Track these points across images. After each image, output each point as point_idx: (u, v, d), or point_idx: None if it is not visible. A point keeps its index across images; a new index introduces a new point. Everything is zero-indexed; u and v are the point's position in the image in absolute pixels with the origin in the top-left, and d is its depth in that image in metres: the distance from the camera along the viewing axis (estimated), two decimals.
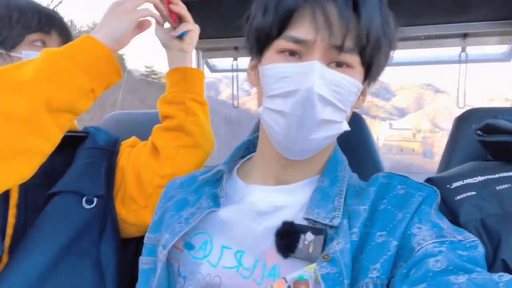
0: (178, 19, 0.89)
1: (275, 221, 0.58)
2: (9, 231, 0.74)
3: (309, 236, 0.55)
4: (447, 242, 0.49)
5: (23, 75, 0.67)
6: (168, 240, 0.63)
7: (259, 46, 0.61)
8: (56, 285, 0.70)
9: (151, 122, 1.02)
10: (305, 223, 0.58)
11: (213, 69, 1.87)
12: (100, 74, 0.75)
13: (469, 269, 0.45)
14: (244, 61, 1.77)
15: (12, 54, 0.83)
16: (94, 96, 0.75)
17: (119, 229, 0.84)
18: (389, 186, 0.59)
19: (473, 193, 0.61)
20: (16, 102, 0.64)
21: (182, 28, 0.89)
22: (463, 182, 0.63)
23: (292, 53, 0.56)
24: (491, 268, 0.53)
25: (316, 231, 0.56)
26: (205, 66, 1.81)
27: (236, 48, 1.67)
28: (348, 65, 0.56)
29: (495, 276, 0.42)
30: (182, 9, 0.88)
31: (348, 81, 0.56)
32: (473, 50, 1.59)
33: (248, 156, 0.75)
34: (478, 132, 0.70)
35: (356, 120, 0.93)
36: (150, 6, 0.83)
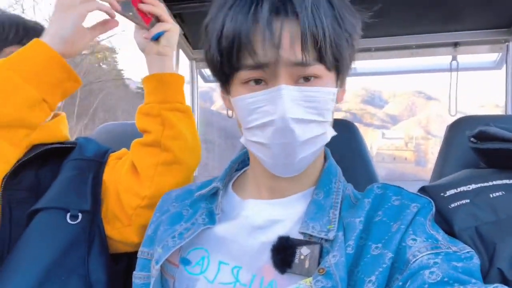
0: (155, 19, 0.81)
1: (271, 236, 0.57)
2: None
3: (305, 250, 0.55)
4: (442, 253, 0.49)
5: None
6: (161, 255, 0.61)
7: (220, 79, 0.59)
8: None
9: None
10: (300, 237, 0.57)
11: (207, 80, 1.87)
12: (49, 82, 0.68)
13: (464, 280, 0.44)
14: None
15: None
16: (49, 106, 0.69)
17: (108, 244, 0.80)
18: (384, 197, 0.59)
19: (467, 201, 0.60)
20: None
21: (156, 29, 0.80)
22: (456, 190, 0.63)
23: (257, 81, 0.55)
24: (486, 276, 0.52)
25: (312, 245, 0.55)
26: (198, 76, 1.81)
27: None
28: (316, 76, 0.55)
29: (490, 287, 0.42)
30: (155, 8, 0.79)
31: (322, 92, 0.55)
32: (464, 58, 1.61)
33: (244, 169, 0.75)
34: (472, 139, 0.70)
35: (349, 129, 0.93)
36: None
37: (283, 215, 0.61)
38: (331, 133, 0.60)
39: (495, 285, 0.42)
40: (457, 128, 0.89)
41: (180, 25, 1.52)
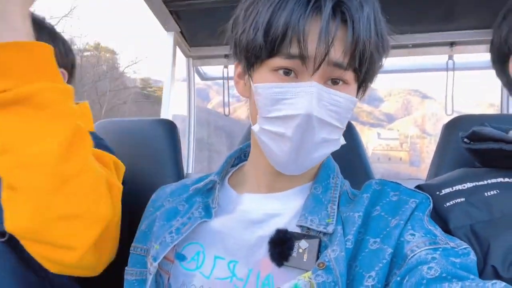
0: None
1: (268, 230, 0.58)
2: None
3: (303, 244, 0.55)
4: (440, 249, 0.49)
5: None
6: (158, 251, 0.61)
7: (249, 61, 0.59)
8: None
9: (139, 130, 1.01)
10: (298, 230, 0.57)
11: (203, 77, 1.87)
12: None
13: (463, 276, 0.45)
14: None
15: None
16: (11, 97, 0.49)
17: None
18: (382, 193, 0.60)
19: (462, 199, 0.61)
20: None
21: None
22: (452, 189, 0.64)
23: (287, 71, 0.55)
24: (481, 274, 0.53)
25: (310, 238, 0.55)
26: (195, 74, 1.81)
27: (226, 55, 1.67)
28: (345, 82, 0.56)
29: (489, 284, 0.42)
30: None
31: (346, 98, 0.55)
32: (460, 58, 1.62)
33: (240, 165, 0.75)
34: (465, 140, 0.71)
35: (347, 127, 0.93)
36: None
37: (281, 209, 0.61)
38: (342, 141, 0.61)
39: (494, 281, 0.42)
40: (452, 127, 0.90)
41: (177, 22, 1.52)
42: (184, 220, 0.64)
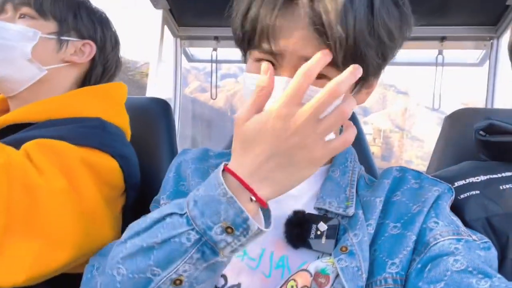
0: None
1: (284, 210, 0.56)
2: None
3: (322, 226, 0.54)
4: (463, 240, 0.49)
5: None
6: None
7: (242, 49, 0.57)
8: None
9: (132, 108, 0.96)
10: (315, 213, 0.56)
11: (191, 59, 1.81)
12: None
13: (489, 273, 0.45)
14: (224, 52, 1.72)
15: None
16: None
17: None
18: (403, 179, 0.59)
19: (477, 192, 0.61)
20: None
21: None
22: (465, 181, 0.64)
23: (270, 61, 0.51)
24: (500, 267, 0.53)
25: (329, 221, 0.54)
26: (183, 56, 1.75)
27: (216, 38, 1.62)
28: (324, 76, 0.49)
29: None
30: None
31: None
32: (448, 55, 1.64)
33: None
34: (481, 132, 0.71)
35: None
36: None
37: (297, 190, 0.58)
38: (331, 136, 0.57)
39: None
40: (455, 120, 0.90)
41: (167, 1, 1.46)
42: None
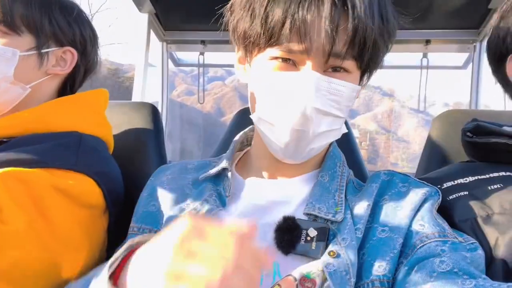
0: None
1: (274, 217, 0.55)
2: None
3: (312, 232, 0.53)
4: (449, 242, 0.50)
5: None
6: None
7: (247, 48, 0.57)
8: None
9: (118, 114, 0.94)
10: (305, 218, 0.56)
11: (177, 63, 1.80)
12: None
13: (474, 274, 0.45)
14: (211, 56, 1.72)
15: None
16: None
17: None
18: (391, 183, 0.59)
19: (465, 193, 0.61)
20: None
21: None
22: (453, 182, 0.64)
23: (286, 59, 0.52)
24: (489, 267, 0.53)
25: (319, 226, 0.54)
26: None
27: (203, 41, 1.61)
28: (346, 70, 0.54)
29: (504, 286, 0.42)
30: None
31: (347, 87, 0.53)
32: (433, 58, 1.67)
33: (245, 150, 0.72)
34: (468, 133, 0.71)
35: None
36: None
37: (287, 196, 0.59)
38: (344, 129, 0.59)
39: (509, 284, 0.42)
40: (444, 121, 0.91)
41: (153, 4, 1.45)
42: (197, 205, 0.60)
